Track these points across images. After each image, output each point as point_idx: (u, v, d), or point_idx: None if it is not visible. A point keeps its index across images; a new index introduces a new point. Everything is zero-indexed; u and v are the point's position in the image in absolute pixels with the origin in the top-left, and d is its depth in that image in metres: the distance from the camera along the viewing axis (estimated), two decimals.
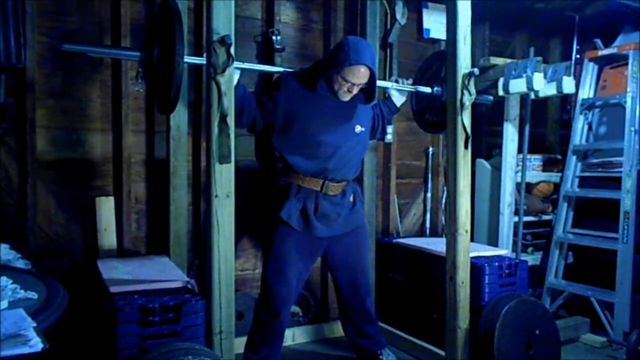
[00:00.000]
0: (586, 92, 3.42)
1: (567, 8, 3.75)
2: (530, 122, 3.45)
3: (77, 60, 2.51)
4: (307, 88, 2.24)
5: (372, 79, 2.20)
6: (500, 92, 3.19)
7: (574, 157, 3.42)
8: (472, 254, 2.45)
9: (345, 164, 2.30)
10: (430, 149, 3.60)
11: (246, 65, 2.18)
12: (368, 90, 2.26)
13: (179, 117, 2.58)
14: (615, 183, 3.15)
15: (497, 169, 3.56)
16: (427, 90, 2.61)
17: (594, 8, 3.70)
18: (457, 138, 2.28)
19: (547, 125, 4.22)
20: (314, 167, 2.24)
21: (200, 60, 2.07)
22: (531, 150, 3.53)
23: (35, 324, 1.30)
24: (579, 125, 3.42)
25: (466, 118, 2.28)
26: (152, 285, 2.00)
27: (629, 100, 3.11)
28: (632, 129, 3.08)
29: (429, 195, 3.59)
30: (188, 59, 2.02)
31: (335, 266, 2.44)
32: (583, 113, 3.42)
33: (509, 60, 3.35)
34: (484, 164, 3.69)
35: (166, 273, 2.21)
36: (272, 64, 2.92)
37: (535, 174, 3.66)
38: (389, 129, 3.20)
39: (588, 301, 3.22)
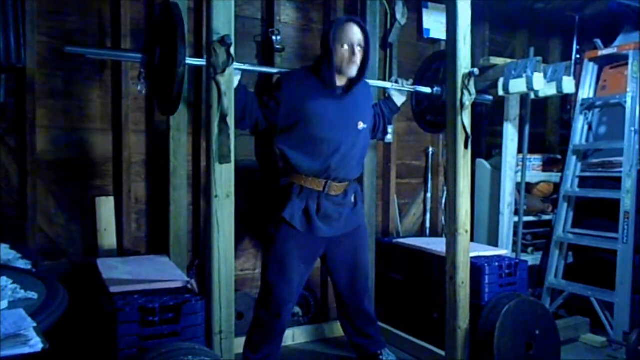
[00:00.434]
0: (586, 92, 3.42)
1: (567, 8, 3.75)
2: (530, 122, 3.45)
3: (77, 60, 2.51)
4: (309, 86, 2.25)
5: (366, 42, 2.23)
6: (500, 92, 3.19)
7: (574, 157, 3.42)
8: (472, 254, 2.45)
9: (348, 162, 2.30)
10: (430, 149, 3.60)
11: (246, 67, 2.19)
12: (363, 63, 2.27)
13: (179, 117, 2.58)
14: (615, 183, 3.15)
15: (497, 169, 3.56)
16: (427, 90, 2.61)
17: (594, 8, 3.70)
18: (457, 138, 2.28)
19: (547, 125, 4.22)
20: (317, 167, 2.24)
21: (201, 62, 2.07)
22: (531, 150, 3.53)
23: (35, 324, 1.30)
24: (579, 125, 3.42)
25: (466, 118, 2.28)
26: (152, 285, 2.00)
27: (629, 100, 3.11)
28: (632, 129, 3.08)
29: (429, 195, 3.59)
30: (189, 61, 2.03)
31: (335, 266, 2.44)
32: (583, 113, 3.42)
33: (509, 60, 3.35)
34: (484, 164, 3.69)
35: (166, 273, 2.21)
36: (272, 64, 2.93)
37: (535, 174, 3.66)
38: (389, 129, 3.20)
39: (588, 301, 3.22)
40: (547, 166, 3.74)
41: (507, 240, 3.45)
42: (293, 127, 2.23)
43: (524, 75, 3.03)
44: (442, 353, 2.48)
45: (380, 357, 2.55)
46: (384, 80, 3.11)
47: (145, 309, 1.81)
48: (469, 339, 2.33)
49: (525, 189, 3.49)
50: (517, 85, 3.07)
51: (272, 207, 2.30)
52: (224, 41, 1.80)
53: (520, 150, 3.47)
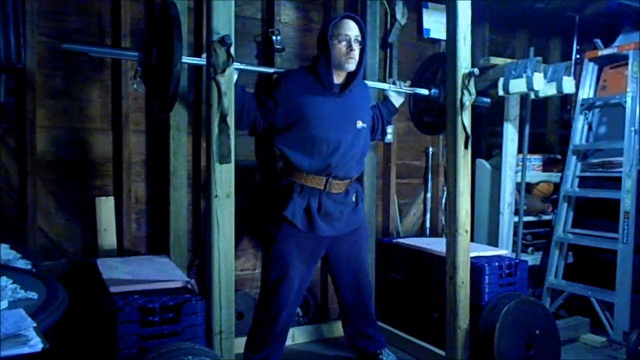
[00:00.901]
0: (586, 92, 3.42)
1: (567, 8, 3.75)
2: (530, 122, 3.45)
3: (77, 60, 2.51)
4: (308, 85, 2.25)
5: (363, 37, 2.24)
6: (500, 92, 3.19)
7: (574, 157, 3.42)
8: (472, 254, 2.45)
9: (348, 161, 2.30)
10: (430, 149, 3.60)
11: (244, 67, 2.19)
12: (360, 57, 2.28)
13: (179, 117, 2.58)
14: (615, 183, 3.15)
15: (497, 169, 3.55)
16: (425, 92, 2.62)
17: (594, 8, 3.70)
18: (457, 138, 2.28)
19: (547, 125, 4.22)
20: (317, 165, 2.24)
21: (199, 61, 2.08)
22: (531, 150, 3.53)
23: (35, 324, 1.30)
24: (579, 125, 3.42)
25: (466, 118, 2.28)
26: (152, 285, 2.00)
27: (629, 100, 3.11)
28: (632, 129, 3.08)
29: (429, 195, 3.59)
30: (186, 59, 2.03)
31: (336, 266, 2.44)
32: (583, 113, 3.42)
33: (509, 60, 3.35)
34: (484, 164, 3.69)
35: (166, 273, 2.21)
36: (272, 64, 2.93)
37: (535, 174, 3.66)
38: (389, 129, 3.20)
39: (588, 301, 3.22)
40: (547, 166, 3.74)
41: (507, 240, 3.45)
42: (292, 127, 2.23)
43: (524, 75, 3.03)
44: (442, 353, 2.48)
45: (381, 357, 2.55)
46: (384, 79, 3.11)
47: (145, 309, 1.81)
48: (469, 339, 2.33)
49: (525, 189, 3.49)
50: (517, 85, 3.07)
51: (273, 207, 2.30)
52: (224, 41, 1.80)
53: (520, 150, 3.47)
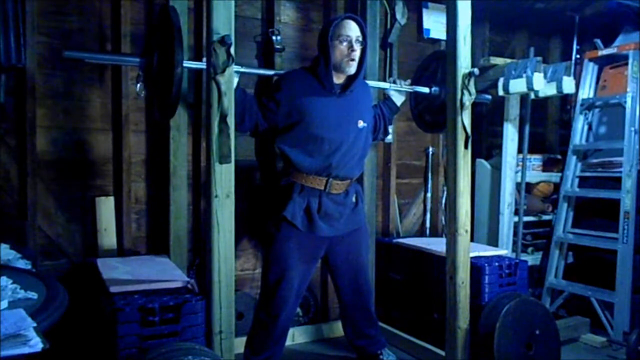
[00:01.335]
0: (586, 92, 3.42)
1: (567, 8, 3.75)
2: (530, 122, 3.45)
3: (77, 60, 2.51)
4: (308, 85, 2.25)
5: (364, 38, 2.24)
6: (500, 92, 3.19)
7: (574, 157, 3.42)
8: (472, 254, 2.45)
9: (348, 161, 2.30)
10: (430, 149, 3.60)
11: (244, 69, 2.20)
12: (361, 59, 2.28)
13: (179, 118, 2.57)
14: (615, 183, 3.15)
15: (497, 169, 3.55)
16: (425, 90, 2.62)
17: (594, 8, 3.70)
18: (457, 138, 2.28)
19: (547, 125, 4.22)
20: (318, 165, 2.24)
21: (199, 65, 2.10)
22: (531, 150, 3.53)
23: (35, 324, 1.30)
24: (579, 125, 3.42)
25: (466, 118, 2.28)
26: (152, 285, 2.00)
27: (629, 100, 3.11)
28: (632, 129, 3.08)
29: (429, 195, 3.59)
30: (187, 64, 2.04)
31: (336, 267, 2.44)
32: (583, 113, 3.42)
33: (509, 60, 3.35)
34: (484, 164, 3.69)
35: (166, 273, 2.21)
36: (272, 64, 2.92)
37: (535, 174, 3.66)
38: (389, 129, 3.20)
39: (588, 301, 3.22)
40: (547, 166, 3.74)
41: (507, 240, 3.45)
42: (293, 127, 2.23)
43: (524, 75, 3.03)
44: (442, 353, 2.48)
45: (381, 357, 2.55)
46: (384, 79, 3.11)
47: (145, 309, 1.81)
48: (469, 339, 2.33)
49: (525, 189, 3.49)
50: (517, 85, 3.07)
51: (273, 207, 2.29)
52: (224, 41, 1.80)
53: (520, 150, 3.47)
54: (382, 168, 3.39)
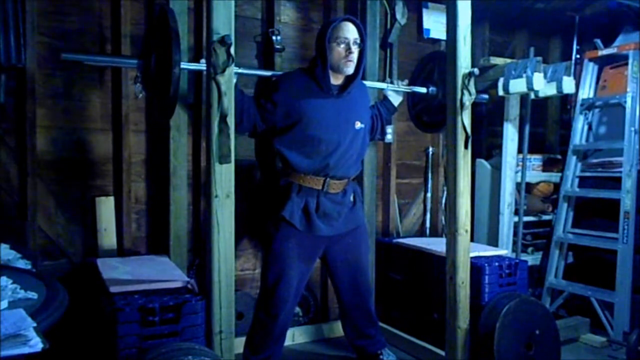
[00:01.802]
0: (586, 92, 3.42)
1: (567, 8, 3.75)
2: (530, 122, 3.45)
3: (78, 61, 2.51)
4: (306, 86, 2.25)
5: (362, 40, 2.25)
6: (500, 92, 3.19)
7: (574, 157, 3.42)
8: (472, 254, 2.45)
9: (346, 161, 2.30)
10: (430, 149, 3.60)
11: (242, 70, 2.20)
12: (359, 61, 2.28)
13: (179, 118, 2.58)
14: (615, 183, 3.15)
15: (497, 169, 3.56)
16: (423, 90, 2.62)
17: (594, 8, 3.70)
18: (457, 138, 2.28)
19: (547, 125, 4.22)
20: (315, 165, 2.25)
21: (198, 66, 2.10)
22: (531, 150, 3.53)
23: (35, 324, 1.30)
24: (579, 125, 3.42)
25: (466, 118, 2.28)
26: (152, 285, 2.00)
27: (629, 100, 3.11)
28: (632, 129, 3.08)
29: (429, 195, 3.59)
30: (185, 65, 2.04)
31: (335, 266, 2.44)
32: (583, 113, 3.42)
33: (509, 60, 3.35)
34: (484, 164, 3.69)
35: (166, 273, 2.21)
36: (272, 64, 2.93)
37: (535, 174, 3.66)
38: (389, 129, 3.21)
39: (588, 301, 3.22)
40: (547, 166, 3.74)
41: (507, 240, 3.45)
42: (291, 128, 2.24)
43: (524, 75, 3.03)
44: (442, 353, 2.48)
45: (381, 357, 2.55)
46: (384, 79, 3.11)
47: (145, 309, 1.81)
48: (469, 339, 2.33)
49: (525, 189, 3.49)
50: (517, 85, 3.07)
51: (271, 207, 2.30)
52: (224, 41, 1.80)
53: (520, 150, 3.47)
54: (382, 168, 3.39)
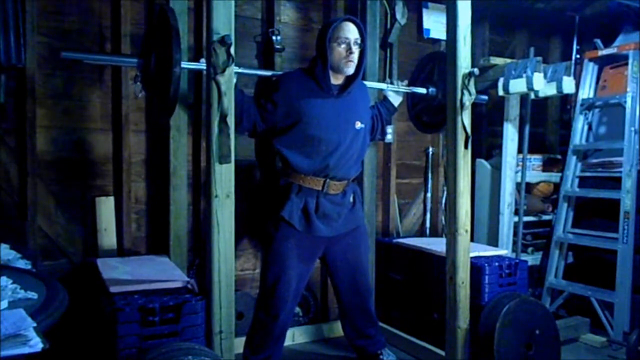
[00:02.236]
0: (586, 92, 3.42)
1: (567, 8, 3.76)
2: (530, 122, 3.45)
3: (77, 60, 2.51)
4: (306, 86, 2.25)
5: (362, 40, 2.25)
6: (500, 92, 3.19)
7: (574, 157, 3.42)
8: (472, 254, 2.45)
9: (346, 161, 2.30)
10: (430, 149, 3.60)
11: (242, 70, 2.20)
12: (360, 61, 2.28)
13: (179, 118, 2.58)
14: (615, 183, 3.15)
15: (497, 169, 3.56)
16: (422, 91, 2.62)
17: (594, 8, 3.71)
18: (457, 138, 2.28)
19: (547, 125, 4.22)
20: (315, 166, 2.24)
21: (198, 66, 2.10)
22: (531, 150, 3.53)
23: (35, 324, 1.30)
24: (579, 125, 3.42)
25: (466, 118, 2.28)
26: (152, 285, 2.00)
27: (629, 100, 3.11)
28: (632, 129, 3.08)
29: (429, 195, 3.59)
30: (186, 65, 2.04)
31: (335, 267, 2.44)
32: (583, 113, 3.42)
33: (509, 60, 3.35)
34: (484, 164, 3.69)
35: (166, 273, 2.21)
36: (272, 64, 2.93)
37: (535, 174, 3.66)
38: (389, 129, 3.21)
39: (588, 301, 3.22)
40: (547, 166, 3.74)
41: (507, 240, 3.45)
42: (291, 128, 2.23)
43: (524, 75, 3.03)
44: (442, 353, 2.48)
45: (381, 357, 2.55)
46: (384, 79, 3.11)
47: (145, 309, 1.81)
48: (469, 339, 2.33)
49: (525, 189, 3.49)
50: (517, 85, 3.07)
51: (271, 207, 2.30)
52: (224, 41, 1.80)
53: (520, 150, 3.47)
54: (382, 168, 3.39)
